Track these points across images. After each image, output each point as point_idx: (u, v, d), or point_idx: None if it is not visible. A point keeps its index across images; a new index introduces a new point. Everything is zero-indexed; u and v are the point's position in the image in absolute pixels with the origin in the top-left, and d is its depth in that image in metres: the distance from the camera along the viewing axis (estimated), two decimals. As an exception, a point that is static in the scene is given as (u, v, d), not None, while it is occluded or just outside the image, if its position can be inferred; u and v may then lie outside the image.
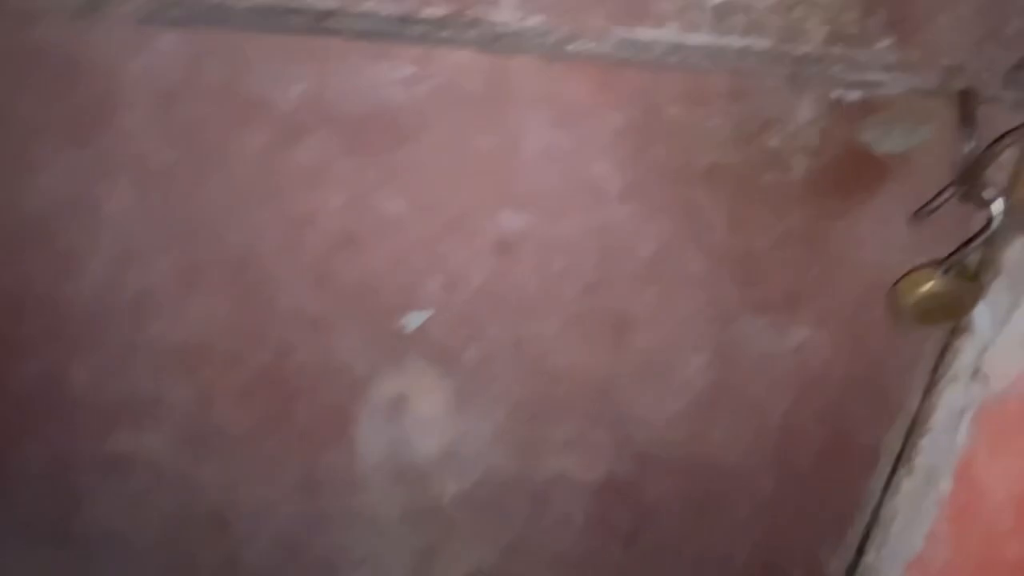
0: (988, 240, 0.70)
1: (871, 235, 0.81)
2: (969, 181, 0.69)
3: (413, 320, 0.90)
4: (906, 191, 0.77)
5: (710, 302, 0.88)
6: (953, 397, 0.80)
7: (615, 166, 0.79)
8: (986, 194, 0.69)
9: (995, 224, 0.69)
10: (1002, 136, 0.67)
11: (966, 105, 0.69)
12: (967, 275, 0.74)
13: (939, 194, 0.71)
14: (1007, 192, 0.72)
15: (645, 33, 0.71)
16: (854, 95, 0.73)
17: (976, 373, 0.73)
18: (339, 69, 0.75)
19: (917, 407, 0.88)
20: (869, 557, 0.94)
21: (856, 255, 0.82)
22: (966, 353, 0.78)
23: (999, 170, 0.72)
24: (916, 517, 0.85)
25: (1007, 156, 0.70)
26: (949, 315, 0.76)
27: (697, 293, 0.87)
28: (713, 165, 0.78)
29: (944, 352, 0.81)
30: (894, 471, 0.93)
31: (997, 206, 0.68)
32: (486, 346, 0.93)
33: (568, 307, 0.89)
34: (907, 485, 0.89)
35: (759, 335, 0.90)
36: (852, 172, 0.78)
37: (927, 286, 0.73)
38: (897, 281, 0.76)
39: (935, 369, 0.84)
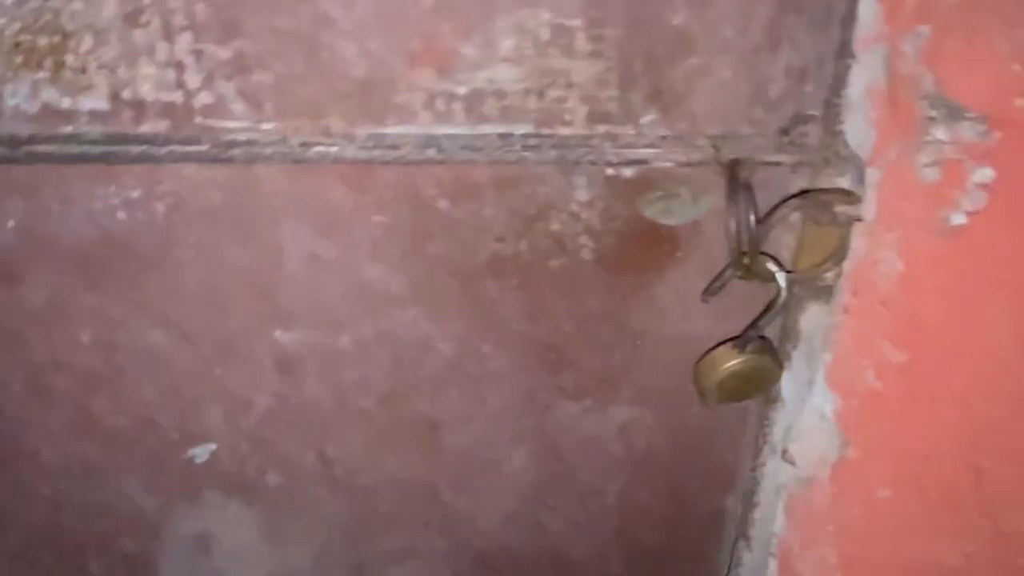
0: (783, 309, 0.67)
1: (672, 308, 0.77)
2: (751, 253, 0.66)
3: (200, 453, 0.81)
4: (701, 261, 0.74)
5: (521, 394, 0.82)
6: (773, 470, 0.76)
7: (390, 268, 0.72)
8: (770, 267, 0.66)
9: (782, 298, 0.66)
10: (776, 206, 0.65)
11: (735, 174, 0.66)
12: (766, 349, 0.70)
13: (722, 272, 0.68)
14: (795, 261, 0.69)
15: (393, 129, 0.65)
16: (628, 171, 0.69)
17: (785, 453, 0.70)
18: (55, 198, 0.66)
19: (748, 478, 0.84)
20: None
21: (661, 330, 0.78)
22: (778, 427, 0.74)
23: (790, 235, 0.69)
24: (762, 589, 0.81)
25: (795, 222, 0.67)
26: (755, 390, 0.72)
27: (505, 387, 0.81)
28: (496, 256, 0.73)
29: (763, 423, 0.78)
30: (736, 542, 0.89)
31: (781, 279, 0.65)
32: (288, 469, 0.84)
33: (370, 419, 0.82)
34: (747, 558, 0.85)
35: (579, 420, 0.85)
36: (642, 247, 0.74)
37: (726, 366, 0.70)
38: (698, 361, 0.72)
39: (758, 439, 0.80)
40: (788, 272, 0.66)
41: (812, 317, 0.68)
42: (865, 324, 0.61)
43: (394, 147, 0.65)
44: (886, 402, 0.61)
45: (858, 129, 0.62)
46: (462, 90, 0.64)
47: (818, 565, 0.67)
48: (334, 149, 0.65)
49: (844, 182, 0.67)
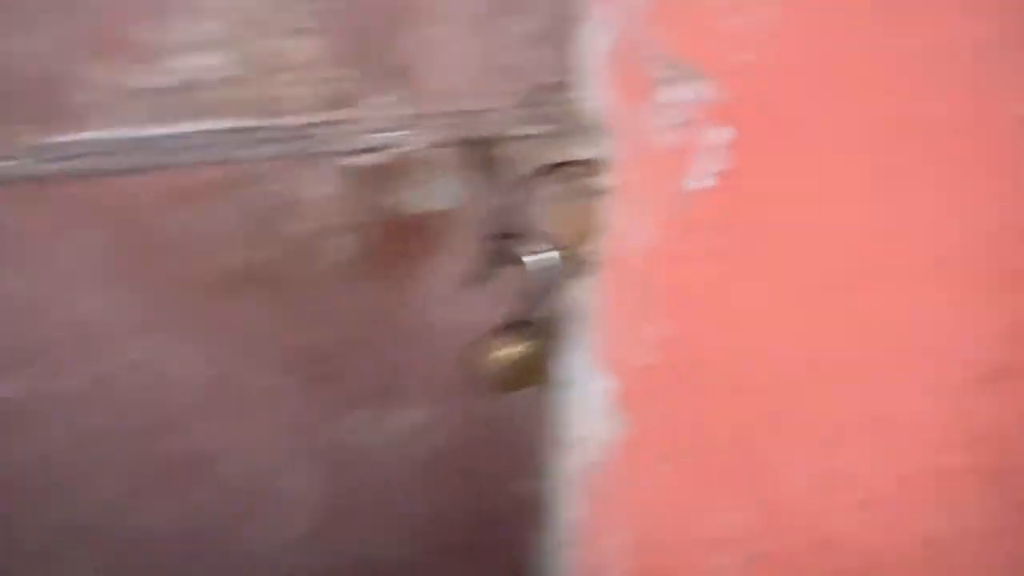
0: (545, 291, 0.64)
1: (445, 299, 0.72)
2: (502, 236, 0.62)
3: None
4: (463, 247, 0.69)
5: (294, 412, 0.75)
6: (567, 456, 0.73)
7: (109, 297, 0.63)
8: (523, 249, 0.62)
9: (539, 280, 0.62)
10: (524, 182, 0.61)
11: (480, 152, 0.61)
12: (539, 334, 0.67)
13: (480, 259, 0.63)
14: (552, 238, 0.65)
15: (83, 135, 0.56)
16: (371, 159, 0.63)
17: (573, 439, 0.67)
18: None
19: (547, 465, 0.81)
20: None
21: (437, 323, 0.73)
22: (564, 411, 0.71)
23: (544, 212, 0.65)
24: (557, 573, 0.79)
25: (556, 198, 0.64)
26: (534, 376, 0.69)
27: (274, 407, 0.74)
28: (234, 267, 0.65)
29: (551, 408, 0.74)
30: (543, 528, 0.86)
31: (536, 261, 0.61)
32: (48, 523, 0.73)
33: (125, 463, 0.72)
34: (553, 542, 0.82)
35: (364, 428, 0.79)
36: (402, 239, 0.68)
37: (499, 354, 0.65)
38: (471, 353, 0.68)
39: (548, 426, 0.77)
40: (543, 252, 0.63)
41: (581, 297, 0.65)
42: (629, 299, 0.59)
43: (84, 155, 0.56)
44: (658, 377, 0.59)
45: (598, 96, 0.58)
46: (164, 83, 0.56)
47: (616, 549, 0.65)
48: (10, 164, 0.55)
49: (589, 152, 0.64)
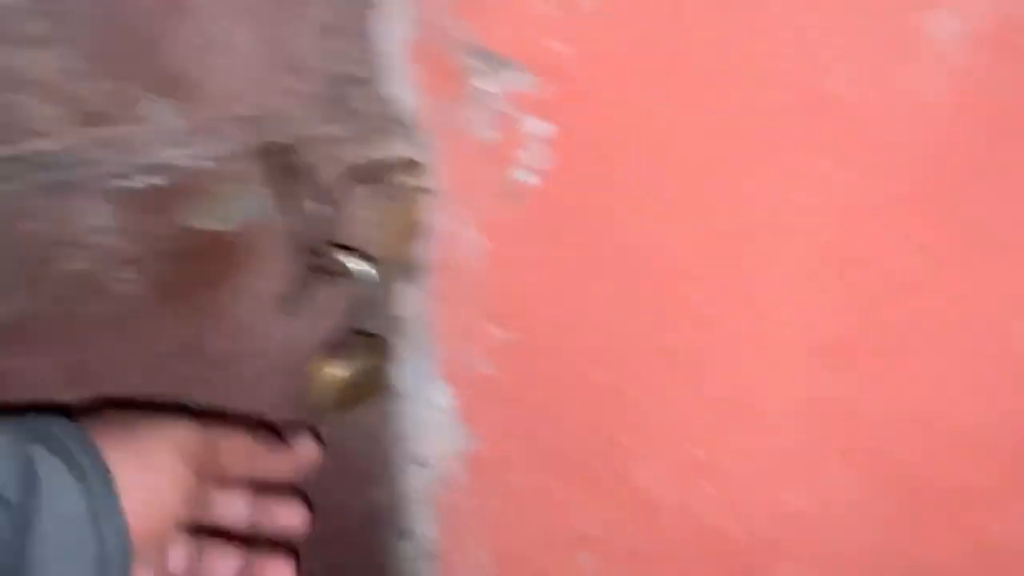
0: (373, 303, 0.59)
1: (261, 321, 0.65)
2: (322, 247, 0.56)
3: None
4: (274, 265, 0.62)
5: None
6: (414, 471, 0.69)
7: None
8: (344, 259, 0.57)
9: (367, 291, 0.57)
10: (338, 187, 0.55)
11: (282, 158, 0.55)
12: (371, 347, 0.62)
13: (298, 275, 0.57)
14: (375, 244, 0.60)
15: None
16: (146, 181, 0.55)
17: (416, 455, 0.62)
18: None
19: (396, 479, 0.77)
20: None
21: (255, 347, 0.66)
22: (406, 425, 0.67)
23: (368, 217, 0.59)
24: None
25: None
26: (369, 394, 0.64)
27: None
28: (6, 320, 0.55)
29: (392, 423, 0.70)
30: (399, 540, 0.82)
31: (361, 270, 0.56)
32: None
33: None
34: (412, 553, 0.79)
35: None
36: (204, 263, 0.60)
37: (330, 375, 0.60)
38: (302, 373, 0.62)
39: (391, 440, 0.73)
40: (366, 261, 0.57)
41: (412, 305, 0.60)
42: (462, 307, 0.55)
43: None
44: (501, 386, 0.56)
45: (405, 90, 0.53)
46: None
47: (474, 567, 0.62)
48: None
49: (404, 149, 0.59)
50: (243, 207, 0.59)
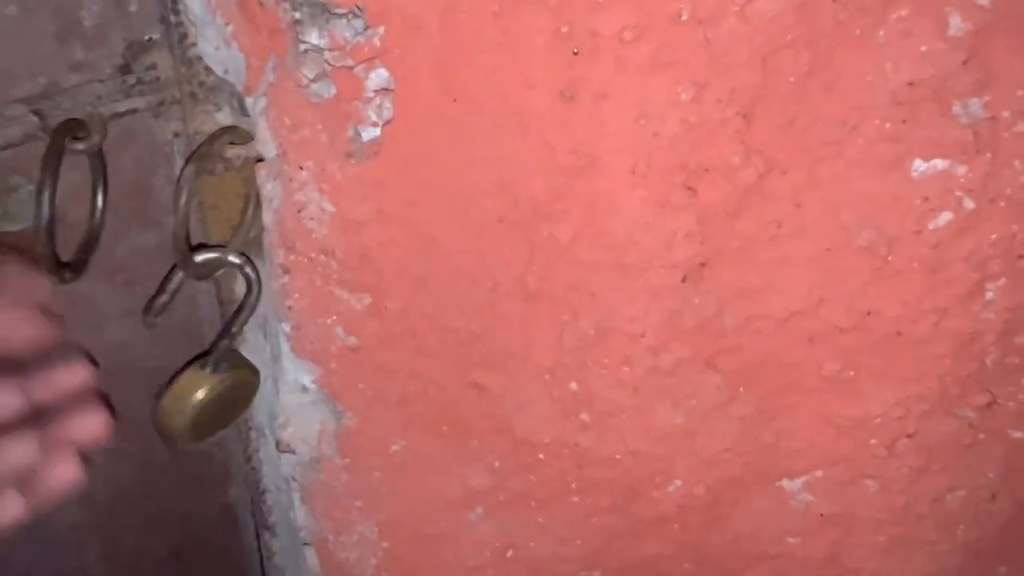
0: (255, 306, 0.54)
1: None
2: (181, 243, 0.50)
3: None
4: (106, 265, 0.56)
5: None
6: (272, 457, 0.65)
7: None
8: (220, 254, 0.52)
9: (254, 293, 0.53)
10: (159, 169, 0.50)
11: (76, 142, 0.49)
12: (239, 359, 0.57)
13: (167, 279, 0.52)
14: (204, 226, 0.55)
15: None
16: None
17: (280, 444, 0.59)
18: None
19: (248, 470, 0.72)
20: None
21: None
22: (260, 412, 0.63)
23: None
24: (299, 573, 0.72)
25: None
26: (237, 409, 0.59)
27: None
28: None
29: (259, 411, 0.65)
30: (260, 533, 0.78)
31: (203, 265, 0.52)
32: None
33: None
34: (278, 544, 0.75)
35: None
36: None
37: (198, 397, 0.54)
38: (156, 407, 0.56)
39: (241, 430, 0.68)
40: (209, 251, 0.53)
41: (262, 285, 0.56)
42: (314, 279, 0.52)
43: None
44: (364, 354, 0.53)
45: (220, 49, 0.49)
46: None
47: (361, 546, 0.60)
48: None
49: (224, 117, 0.55)
50: (31, 203, 0.52)
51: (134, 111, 0.53)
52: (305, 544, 0.66)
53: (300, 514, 0.63)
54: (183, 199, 0.50)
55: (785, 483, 0.53)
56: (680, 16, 0.39)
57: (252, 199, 0.56)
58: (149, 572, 0.77)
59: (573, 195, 0.45)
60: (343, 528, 0.60)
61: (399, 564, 0.60)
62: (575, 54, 0.41)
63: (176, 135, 0.55)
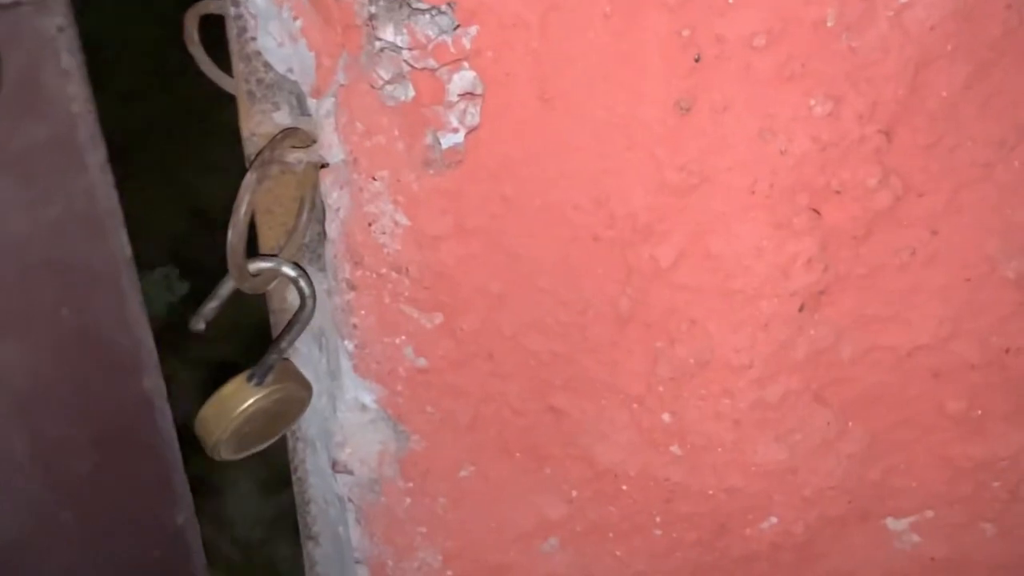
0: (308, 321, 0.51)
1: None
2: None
3: None
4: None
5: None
6: (319, 473, 0.62)
7: None
8: (274, 265, 0.48)
9: (308, 307, 0.49)
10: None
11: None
12: (289, 372, 0.53)
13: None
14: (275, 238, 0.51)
15: None
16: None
17: (336, 465, 0.55)
18: None
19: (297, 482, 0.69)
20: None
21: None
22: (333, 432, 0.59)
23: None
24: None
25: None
26: (281, 425, 0.55)
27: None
28: None
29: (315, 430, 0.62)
30: (304, 543, 0.74)
31: (302, 282, 0.48)
32: None
33: None
34: (319, 554, 0.72)
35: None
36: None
37: (242, 409, 0.51)
38: (201, 412, 0.52)
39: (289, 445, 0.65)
40: (265, 260, 0.49)
41: (325, 300, 0.52)
42: (383, 296, 0.48)
43: None
44: (433, 376, 0.50)
45: (284, 46, 0.44)
46: None
47: (423, 572, 0.57)
48: None
49: (282, 117, 0.50)
50: None
51: (17, 4, 0.48)
52: (357, 562, 0.62)
53: (355, 535, 0.59)
54: (243, 209, 0.46)
55: (889, 522, 0.49)
56: (826, 22, 0.34)
57: (307, 203, 0.52)
58: (72, 461, 0.75)
59: (679, 215, 0.41)
60: (404, 553, 0.56)
61: (464, 593, 0.57)
62: (696, 61, 0.37)
63: (60, 29, 0.50)
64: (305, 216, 0.52)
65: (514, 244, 0.44)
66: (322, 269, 0.54)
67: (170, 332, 2.27)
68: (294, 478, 0.72)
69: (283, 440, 0.66)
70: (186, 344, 2.14)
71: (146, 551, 0.87)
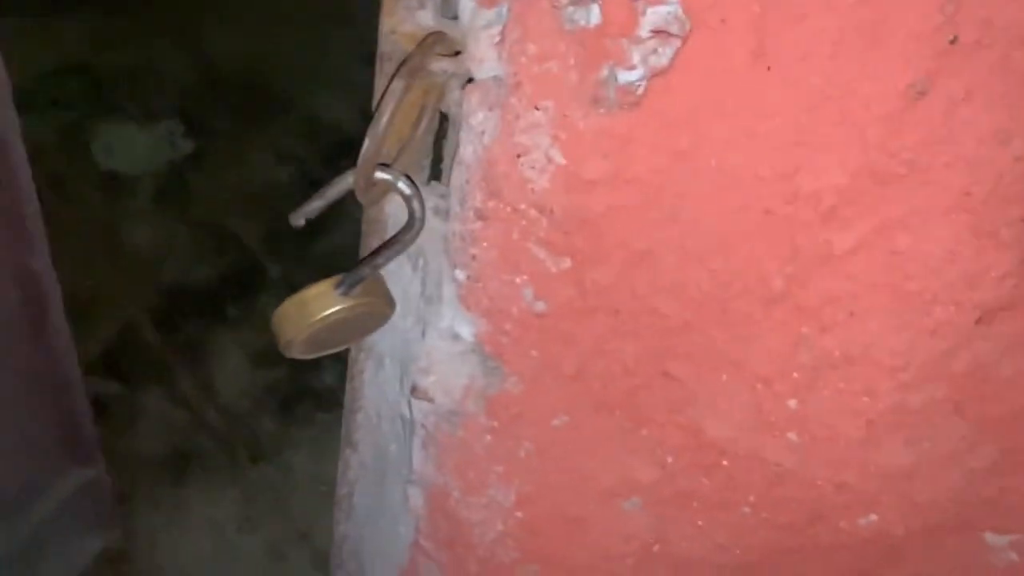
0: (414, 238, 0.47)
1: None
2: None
3: None
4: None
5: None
6: (377, 386, 0.59)
7: None
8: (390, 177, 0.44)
9: (417, 223, 0.45)
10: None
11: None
12: (377, 288, 0.50)
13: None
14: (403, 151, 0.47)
15: None
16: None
17: (416, 391, 0.52)
18: None
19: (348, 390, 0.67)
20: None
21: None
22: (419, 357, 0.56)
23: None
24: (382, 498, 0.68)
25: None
26: (354, 337, 0.52)
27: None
28: None
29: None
30: (342, 449, 0.73)
31: (413, 199, 0.44)
32: None
33: None
34: (355, 460, 0.70)
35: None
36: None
37: (324, 314, 0.48)
38: (283, 304, 0.49)
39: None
40: (389, 172, 0.44)
41: (440, 221, 0.48)
42: (512, 232, 0.44)
43: None
44: (551, 322, 0.46)
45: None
46: None
47: (489, 509, 0.55)
48: None
49: (425, 17, 0.45)
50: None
51: None
52: (411, 483, 0.61)
53: (418, 459, 0.57)
54: (386, 118, 0.42)
55: (989, 536, 0.48)
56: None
57: (428, 114, 0.48)
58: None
59: (872, 202, 0.38)
60: (473, 488, 0.54)
61: (530, 536, 0.55)
62: (951, 43, 0.32)
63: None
64: (424, 128, 0.48)
65: (674, 203, 0.41)
66: (425, 183, 0.50)
67: (170, 190, 2.20)
68: (348, 386, 0.69)
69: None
70: (185, 204, 2.08)
71: (3, 292, 0.86)
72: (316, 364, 1.74)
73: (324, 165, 2.06)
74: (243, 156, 2.07)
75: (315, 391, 1.75)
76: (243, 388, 1.79)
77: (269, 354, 1.79)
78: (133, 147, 2.07)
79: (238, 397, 1.78)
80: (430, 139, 0.50)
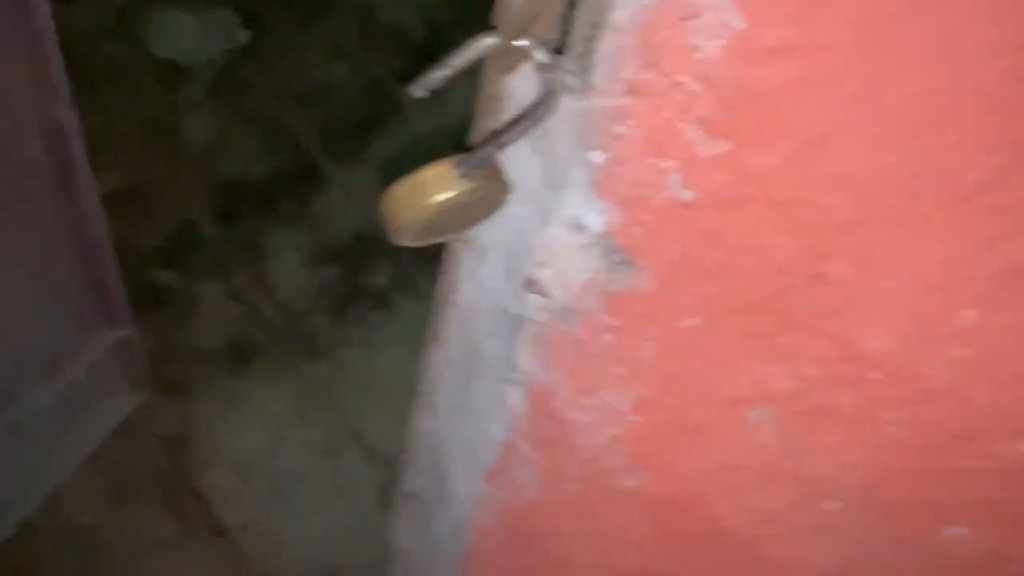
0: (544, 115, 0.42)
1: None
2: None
3: None
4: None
5: None
6: (473, 277, 0.56)
7: None
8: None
9: (553, 96, 0.40)
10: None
11: None
12: (495, 171, 0.46)
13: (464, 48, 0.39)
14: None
15: None
16: None
17: (532, 284, 0.49)
18: None
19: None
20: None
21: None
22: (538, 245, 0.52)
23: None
24: (467, 390, 0.66)
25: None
26: (469, 223, 0.49)
27: None
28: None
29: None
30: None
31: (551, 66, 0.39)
32: None
33: None
34: (440, 356, 0.68)
35: None
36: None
37: (441, 198, 0.44)
38: (395, 186, 0.46)
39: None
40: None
41: (575, 93, 0.44)
42: (664, 109, 0.39)
43: None
44: (697, 213, 0.42)
45: None
46: None
47: (602, 412, 0.52)
48: None
49: None
50: None
51: None
52: (511, 382, 0.58)
53: (523, 357, 0.54)
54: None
55: None
56: None
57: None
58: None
59: None
60: (585, 390, 0.51)
61: (645, 442, 0.52)
62: None
63: None
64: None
65: (877, 78, 0.36)
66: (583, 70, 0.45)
67: (225, 82, 2.16)
68: (441, 278, 0.66)
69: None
70: (240, 97, 2.03)
71: (27, 143, 0.86)
72: (369, 265, 1.72)
73: (380, 63, 2.00)
74: (298, 51, 2.02)
75: (368, 291, 1.73)
76: (298, 286, 1.78)
77: (323, 253, 1.78)
78: (189, 36, 2.02)
79: (293, 294, 1.78)
80: (559, 9, 0.45)
